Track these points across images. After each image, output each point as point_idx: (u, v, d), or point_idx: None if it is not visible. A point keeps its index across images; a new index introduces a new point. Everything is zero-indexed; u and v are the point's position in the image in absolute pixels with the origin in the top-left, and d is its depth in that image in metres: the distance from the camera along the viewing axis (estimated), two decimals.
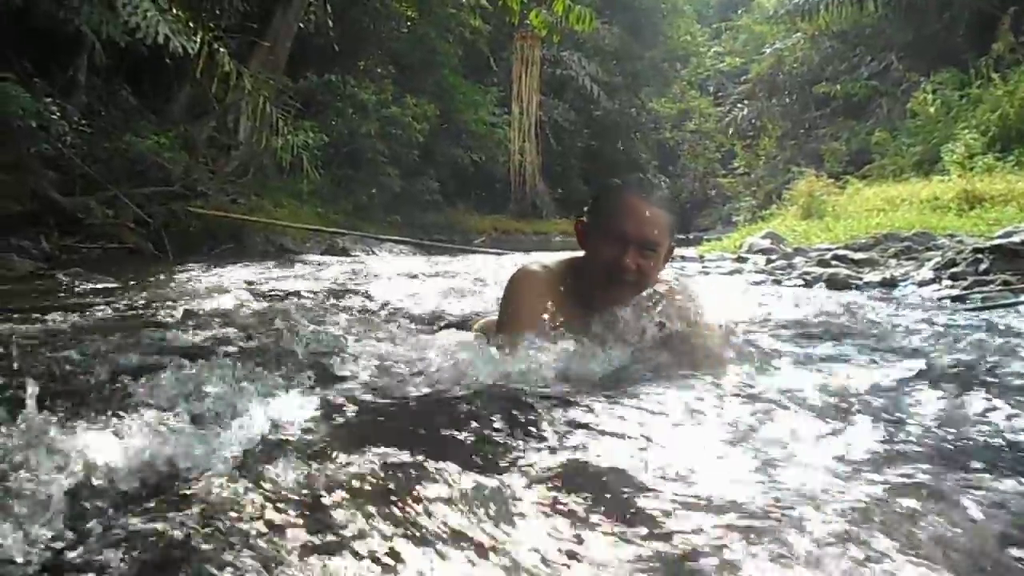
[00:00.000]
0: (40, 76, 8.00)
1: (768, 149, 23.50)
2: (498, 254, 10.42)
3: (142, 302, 3.03)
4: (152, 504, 1.02)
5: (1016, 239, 4.52)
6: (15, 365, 1.99)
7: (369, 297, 4.14)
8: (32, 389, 1.22)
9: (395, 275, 6.20)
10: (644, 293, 1.90)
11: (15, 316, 2.86)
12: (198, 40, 8.64)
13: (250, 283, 5.00)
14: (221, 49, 9.23)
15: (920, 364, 1.86)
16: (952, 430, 1.41)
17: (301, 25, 12.88)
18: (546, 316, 1.84)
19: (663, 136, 31.54)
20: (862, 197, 11.16)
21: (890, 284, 4.51)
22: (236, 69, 9.47)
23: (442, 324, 2.81)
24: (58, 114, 7.58)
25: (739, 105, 23.86)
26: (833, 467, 1.19)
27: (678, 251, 2.25)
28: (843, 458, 1.22)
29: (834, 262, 5.44)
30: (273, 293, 4.46)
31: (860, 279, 4.72)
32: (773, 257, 6.53)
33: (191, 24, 8.79)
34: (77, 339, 2.44)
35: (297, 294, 4.50)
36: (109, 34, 7.88)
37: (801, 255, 6.27)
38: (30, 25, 7.87)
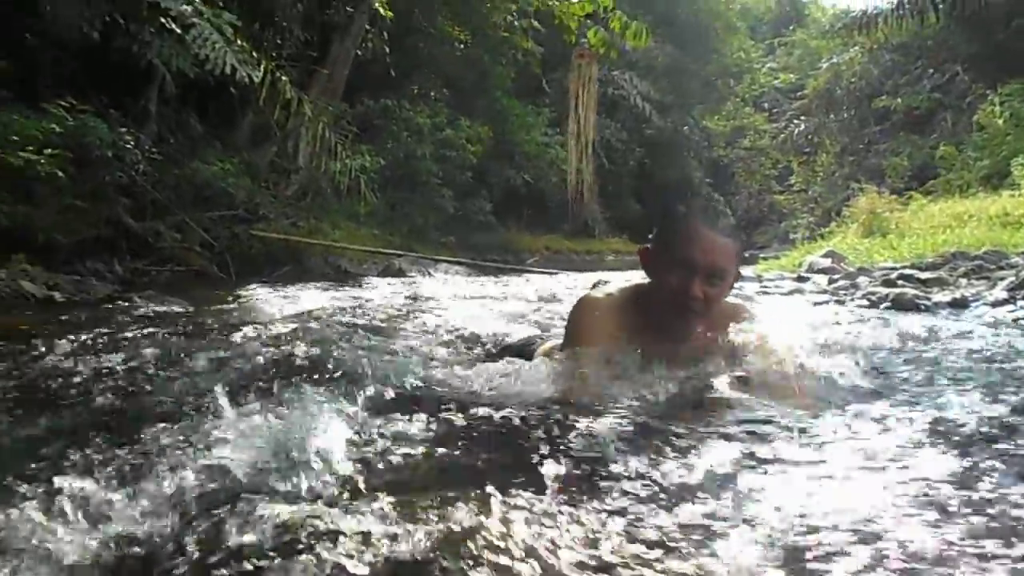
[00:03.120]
0: (115, 108, 8.39)
1: (826, 165, 23.03)
2: (551, 274, 10.47)
3: (214, 324, 3.15)
4: (228, 524, 1.06)
5: None
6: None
7: (430, 319, 4.20)
8: None
9: (452, 296, 6.28)
10: (713, 320, 1.89)
11: (104, 338, 3.01)
12: (261, 69, 8.97)
13: (311, 305, 5.12)
14: (283, 77, 9.57)
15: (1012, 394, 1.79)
16: None
17: (358, 52, 13.23)
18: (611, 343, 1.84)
19: (716, 154, 31.20)
20: (927, 213, 10.84)
21: (961, 305, 4.36)
22: (297, 96, 9.80)
23: (504, 347, 2.83)
24: (132, 143, 7.93)
25: (795, 121, 23.50)
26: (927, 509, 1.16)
27: None
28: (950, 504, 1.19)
29: (900, 282, 5.28)
30: (334, 315, 4.56)
31: (928, 299, 4.57)
32: (835, 277, 6.37)
33: (255, 54, 9.12)
34: (156, 360, 2.54)
35: (357, 315, 4.59)
36: (179, 66, 8.25)
37: (865, 275, 6.11)
38: (107, 60, 8.28)
